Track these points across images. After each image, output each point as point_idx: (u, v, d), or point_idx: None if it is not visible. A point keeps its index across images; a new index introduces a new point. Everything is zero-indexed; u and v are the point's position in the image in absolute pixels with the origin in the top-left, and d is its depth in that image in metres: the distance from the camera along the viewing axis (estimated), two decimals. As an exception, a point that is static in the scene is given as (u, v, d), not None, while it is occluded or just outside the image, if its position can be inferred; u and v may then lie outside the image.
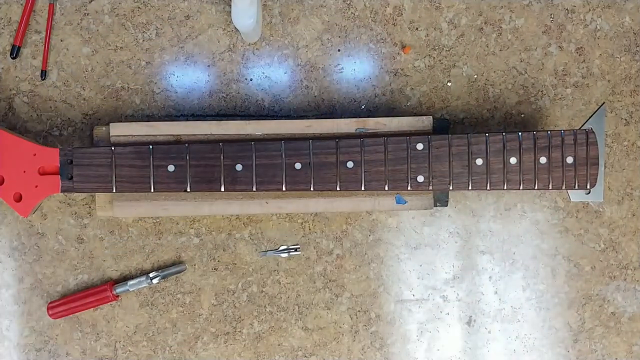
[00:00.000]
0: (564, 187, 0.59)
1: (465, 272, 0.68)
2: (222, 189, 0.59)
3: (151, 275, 0.66)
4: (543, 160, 0.59)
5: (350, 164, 0.59)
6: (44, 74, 0.65)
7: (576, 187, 0.59)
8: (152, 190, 0.59)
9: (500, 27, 0.66)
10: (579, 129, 0.59)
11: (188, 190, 0.59)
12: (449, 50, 0.66)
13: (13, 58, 0.65)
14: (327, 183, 0.59)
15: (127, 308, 0.67)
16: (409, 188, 0.59)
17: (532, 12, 0.66)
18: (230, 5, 0.64)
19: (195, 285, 0.67)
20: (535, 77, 0.66)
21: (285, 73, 0.66)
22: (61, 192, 0.59)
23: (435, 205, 0.63)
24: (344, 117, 0.63)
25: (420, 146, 0.59)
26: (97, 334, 0.67)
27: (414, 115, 0.62)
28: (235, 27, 0.61)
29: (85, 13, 0.65)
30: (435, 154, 0.59)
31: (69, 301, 0.66)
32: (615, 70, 0.67)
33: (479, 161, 0.59)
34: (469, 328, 0.68)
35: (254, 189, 0.59)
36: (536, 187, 0.59)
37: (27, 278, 0.67)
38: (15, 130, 0.65)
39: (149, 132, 0.61)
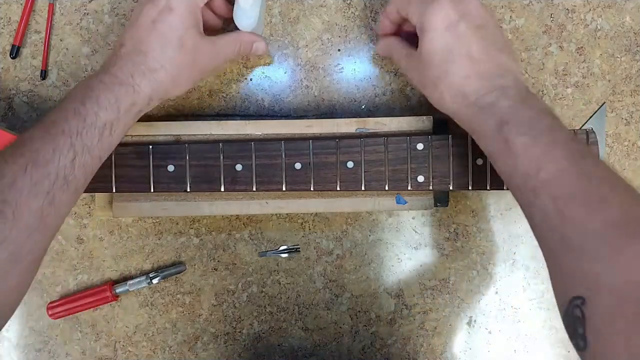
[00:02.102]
0: (564, 187, 0.59)
1: (465, 272, 0.68)
2: (222, 189, 0.59)
3: (151, 275, 0.66)
4: (543, 160, 0.59)
5: (350, 164, 0.59)
6: (43, 74, 0.65)
7: (576, 187, 0.59)
8: (152, 190, 0.59)
9: (501, 27, 0.66)
10: (580, 129, 0.59)
11: (188, 190, 0.59)
12: (449, 50, 0.66)
13: (13, 58, 0.65)
14: (327, 183, 0.59)
15: (127, 308, 0.67)
16: (409, 188, 0.59)
17: (532, 12, 0.66)
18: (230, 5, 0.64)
19: (195, 285, 0.67)
20: (535, 77, 0.66)
21: (285, 73, 0.66)
22: (61, 192, 0.59)
23: (436, 205, 0.63)
24: (344, 117, 0.63)
25: (420, 146, 0.59)
26: (97, 334, 0.67)
27: (414, 115, 0.62)
28: (236, 27, 0.61)
29: (85, 13, 0.65)
30: (436, 154, 0.59)
31: (69, 301, 0.66)
32: (616, 70, 0.67)
33: (479, 161, 0.59)
34: (469, 328, 0.68)
35: (254, 189, 0.59)
36: (536, 187, 0.59)
37: (27, 278, 0.67)
38: (15, 130, 0.65)
39: (148, 132, 0.61)
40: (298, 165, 0.59)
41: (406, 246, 0.67)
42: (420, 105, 0.66)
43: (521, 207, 0.49)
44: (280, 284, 0.67)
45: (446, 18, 0.51)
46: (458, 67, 0.51)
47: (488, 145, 0.50)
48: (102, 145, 0.51)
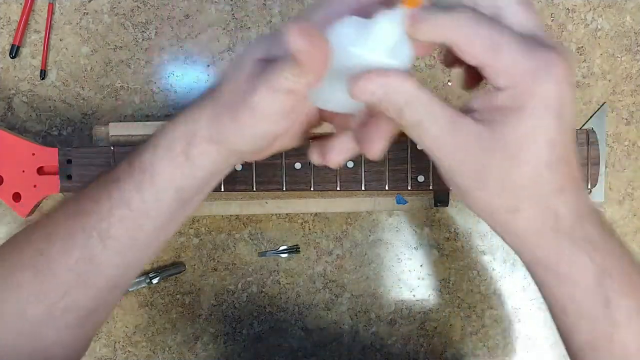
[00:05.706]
0: (564, 187, 0.59)
1: (465, 272, 0.68)
2: (222, 189, 0.59)
3: (150, 275, 0.65)
4: (544, 160, 0.58)
5: (350, 164, 0.59)
6: (43, 74, 0.65)
7: (577, 187, 0.59)
8: (152, 190, 0.59)
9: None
10: (580, 128, 0.59)
11: (187, 190, 0.59)
12: (449, 50, 0.66)
13: (12, 58, 0.65)
14: (327, 183, 0.59)
15: (127, 308, 0.67)
16: (409, 188, 0.59)
17: (532, 12, 0.66)
18: (229, 5, 0.64)
19: (195, 285, 0.67)
20: (535, 76, 0.66)
21: (285, 73, 0.66)
22: (60, 192, 0.59)
23: (436, 205, 0.63)
24: (344, 117, 0.63)
25: (420, 146, 0.59)
26: (97, 334, 0.67)
27: (414, 115, 0.62)
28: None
29: (84, 12, 0.65)
30: (436, 153, 0.59)
31: (68, 301, 0.66)
32: (616, 70, 0.66)
33: (480, 161, 0.58)
34: (469, 328, 0.68)
35: (254, 189, 0.59)
36: (537, 187, 0.59)
37: (26, 278, 0.66)
38: (15, 130, 0.65)
39: (148, 132, 0.61)
40: (298, 165, 0.59)
41: (406, 246, 0.67)
42: (421, 105, 0.66)
43: None
44: (280, 284, 0.67)
45: (561, 93, 0.33)
46: (555, 173, 0.34)
47: (574, 299, 0.37)
48: (108, 254, 0.43)
